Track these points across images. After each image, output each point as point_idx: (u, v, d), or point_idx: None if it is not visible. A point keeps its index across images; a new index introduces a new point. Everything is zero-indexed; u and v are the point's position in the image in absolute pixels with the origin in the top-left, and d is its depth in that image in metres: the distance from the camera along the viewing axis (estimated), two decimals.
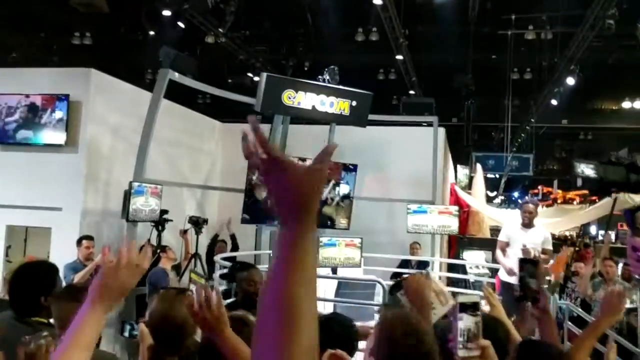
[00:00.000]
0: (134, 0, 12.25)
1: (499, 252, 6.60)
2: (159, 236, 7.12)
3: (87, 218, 6.95)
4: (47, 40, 15.13)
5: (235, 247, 8.23)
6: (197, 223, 7.33)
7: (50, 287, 2.69)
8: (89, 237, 6.31)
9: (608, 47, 13.03)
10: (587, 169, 1.75)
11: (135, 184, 6.61)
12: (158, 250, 6.67)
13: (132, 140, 6.94)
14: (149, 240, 7.02)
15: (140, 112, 6.82)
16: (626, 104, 17.54)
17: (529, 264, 2.20)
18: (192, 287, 5.65)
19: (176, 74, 6.75)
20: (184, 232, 7.32)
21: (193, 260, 7.11)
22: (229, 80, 15.24)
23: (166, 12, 11.24)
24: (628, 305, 3.23)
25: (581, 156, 17.53)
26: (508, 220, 8.11)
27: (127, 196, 6.56)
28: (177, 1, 10.11)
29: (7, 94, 7.12)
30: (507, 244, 6.51)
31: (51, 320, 2.62)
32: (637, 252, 1.72)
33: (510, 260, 6.26)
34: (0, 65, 10.46)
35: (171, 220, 7.24)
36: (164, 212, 7.13)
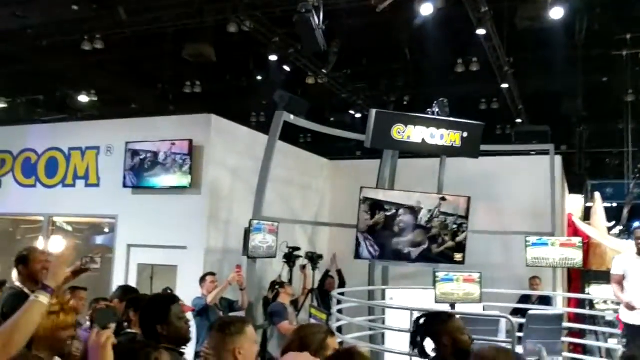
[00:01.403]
0: (241, 48, 12.94)
1: (615, 287, 6.14)
2: (291, 272, 7.33)
3: (209, 256, 7.30)
4: (162, 91, 16.30)
5: (342, 283, 8.28)
6: (313, 259, 7.47)
7: (164, 316, 2.88)
8: (212, 274, 6.61)
9: None
10: None
11: (255, 222, 6.87)
12: (277, 286, 6.85)
13: (249, 180, 7.26)
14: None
15: (255, 154, 7.14)
16: None
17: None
18: (312, 321, 5.75)
19: (291, 116, 7.01)
20: (303, 268, 7.47)
21: (310, 295, 7.21)
22: (331, 119, 15.56)
23: (273, 57, 11.75)
24: None
25: None
26: (622, 250, 7.55)
27: (247, 234, 6.83)
28: (284, 46, 10.57)
29: (135, 142, 7.73)
30: (624, 277, 6.04)
31: None
32: None
33: (628, 294, 5.82)
34: (123, 116, 11.39)
35: (301, 257, 7.43)
36: (295, 249, 7.36)
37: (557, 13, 8.48)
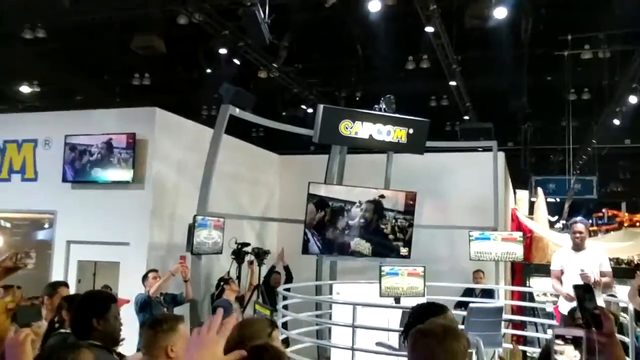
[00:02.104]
0: (190, 41, 12.72)
1: (554, 281, 6.35)
2: (239, 268, 7.25)
3: (153, 252, 7.15)
4: (109, 82, 15.85)
5: (289, 278, 8.26)
6: (259, 255, 7.41)
7: (102, 311, 2.89)
8: (155, 270, 6.47)
9: None
10: None
11: (199, 218, 6.76)
12: (222, 283, 6.77)
13: (195, 175, 7.13)
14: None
15: (202, 148, 7.02)
16: None
17: (581, 290, 2.08)
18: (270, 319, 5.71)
19: (237, 109, 6.93)
20: (250, 264, 7.41)
21: (256, 292, 7.17)
22: (283, 113, 15.50)
23: (222, 51, 11.60)
24: None
25: None
26: (563, 244, 7.82)
27: (191, 229, 6.72)
28: (233, 39, 10.44)
29: (76, 135, 7.49)
30: (562, 272, 6.24)
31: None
32: None
33: (567, 287, 6.02)
34: (66, 108, 11.03)
35: (249, 253, 7.36)
36: (244, 245, 7.28)
37: (500, 13, 8.67)
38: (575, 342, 1.69)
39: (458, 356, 1.99)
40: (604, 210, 21.20)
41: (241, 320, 3.14)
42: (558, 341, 1.82)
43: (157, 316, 3.83)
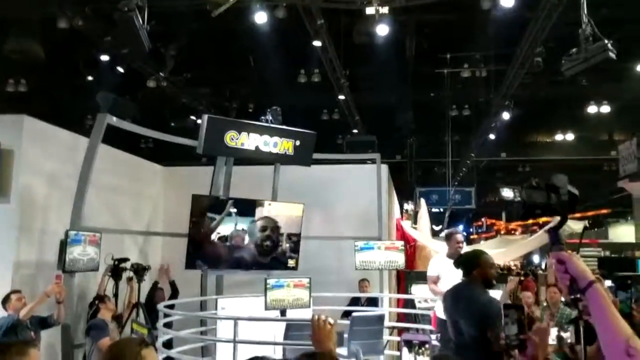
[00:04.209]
0: (71, 46, 12.04)
1: (431, 285, 6.65)
2: (116, 285, 6.85)
3: (20, 270, 6.60)
4: None
5: (175, 294, 7.98)
6: (138, 271, 7.07)
7: None
8: (18, 291, 5.98)
9: (538, 83, 13.70)
10: (509, 193, 1.81)
11: (72, 233, 6.35)
12: (96, 301, 6.39)
13: (70, 187, 6.69)
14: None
15: (78, 159, 6.62)
16: (559, 137, 18.39)
17: (511, 310, 2.15)
18: (142, 337, 5.42)
19: (114, 118, 6.61)
20: (129, 280, 7.05)
21: (135, 310, 6.83)
22: (172, 124, 15.09)
23: (104, 58, 11.08)
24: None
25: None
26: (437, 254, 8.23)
27: (63, 246, 6.29)
28: (116, 46, 9.99)
29: None
30: (438, 278, 6.56)
31: None
32: (563, 265, 1.75)
33: (445, 288, 6.31)
34: None
35: (127, 269, 6.98)
36: (121, 260, 6.89)
37: (382, 30, 8.98)
38: (412, 346, 1.73)
39: None
40: (483, 219, 22.63)
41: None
42: (405, 348, 1.86)
43: (6, 341, 3.52)
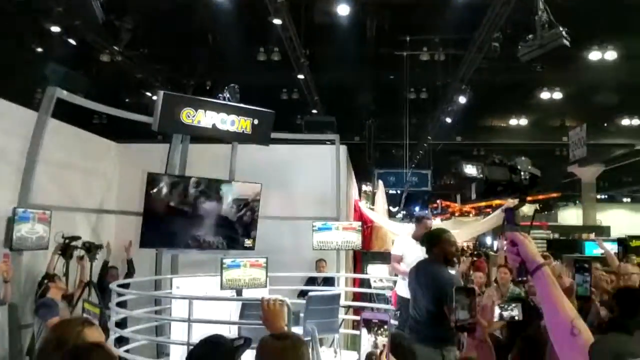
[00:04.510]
0: (21, 16, 11.52)
1: (395, 265, 6.78)
2: (67, 264, 6.65)
3: None
4: None
5: (130, 272, 7.85)
6: (90, 249, 6.90)
7: None
8: None
9: (494, 68, 13.94)
10: (472, 170, 1.83)
11: (20, 210, 6.14)
12: (45, 280, 6.21)
13: (17, 163, 6.45)
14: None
15: (27, 134, 6.38)
16: (513, 121, 18.81)
17: (462, 295, 2.17)
18: (85, 316, 5.30)
19: (64, 92, 6.38)
20: (80, 259, 6.87)
21: (87, 289, 6.68)
22: (127, 100, 14.69)
23: (55, 29, 10.65)
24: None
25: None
26: (400, 234, 8.37)
27: (10, 223, 6.08)
28: (67, 17, 9.62)
29: None
30: (402, 257, 6.69)
31: None
32: (515, 247, 1.79)
33: (408, 267, 6.43)
34: None
35: (78, 247, 6.79)
36: (71, 239, 6.69)
37: (344, 10, 8.94)
38: (370, 326, 1.74)
39: None
40: (438, 201, 23.08)
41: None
42: (364, 328, 1.86)
43: None
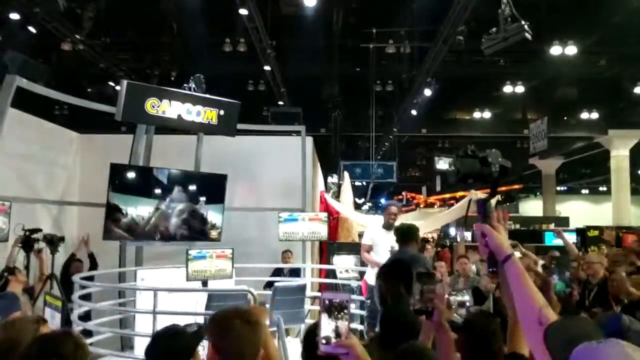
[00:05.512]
0: None
1: (365, 254, 6.86)
2: (28, 257, 6.51)
3: None
4: None
5: (94, 266, 7.74)
6: (52, 242, 6.76)
7: None
8: None
9: (459, 61, 14.16)
10: (444, 165, 1.87)
11: None
12: (5, 273, 6.07)
13: None
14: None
15: None
16: (477, 114, 19.13)
17: (422, 278, 2.21)
18: (48, 310, 5.22)
19: (24, 80, 6.23)
20: (39, 252, 6.73)
21: (49, 282, 6.55)
22: (89, 90, 14.39)
23: (14, 16, 10.35)
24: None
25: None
26: (371, 223, 8.47)
27: None
28: (27, 4, 9.36)
29: None
30: (372, 247, 6.78)
31: None
32: (485, 239, 1.83)
33: (378, 257, 6.53)
34: None
35: (39, 240, 6.65)
36: (33, 231, 6.54)
37: (310, 1, 8.94)
38: (330, 309, 1.73)
39: None
40: (403, 193, 23.34)
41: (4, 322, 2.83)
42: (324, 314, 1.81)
43: None
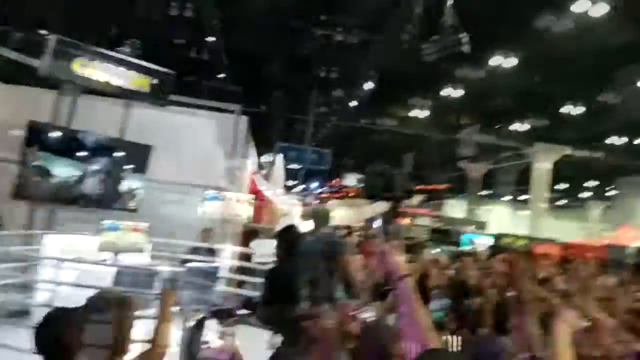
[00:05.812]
0: None
1: None
2: None
3: None
4: None
5: None
6: None
7: None
8: None
9: (404, 58, 14.25)
10: (352, 181, 1.88)
11: None
12: None
13: None
14: None
15: None
16: (414, 112, 19.46)
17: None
18: None
19: None
20: None
21: None
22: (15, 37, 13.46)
23: None
24: None
25: (373, 153, 19.06)
26: (290, 211, 8.45)
27: None
28: None
29: None
30: None
31: None
32: (384, 257, 1.88)
33: None
34: None
35: None
36: None
37: None
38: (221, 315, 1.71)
39: None
40: (335, 180, 23.53)
41: None
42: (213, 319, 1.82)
43: None
